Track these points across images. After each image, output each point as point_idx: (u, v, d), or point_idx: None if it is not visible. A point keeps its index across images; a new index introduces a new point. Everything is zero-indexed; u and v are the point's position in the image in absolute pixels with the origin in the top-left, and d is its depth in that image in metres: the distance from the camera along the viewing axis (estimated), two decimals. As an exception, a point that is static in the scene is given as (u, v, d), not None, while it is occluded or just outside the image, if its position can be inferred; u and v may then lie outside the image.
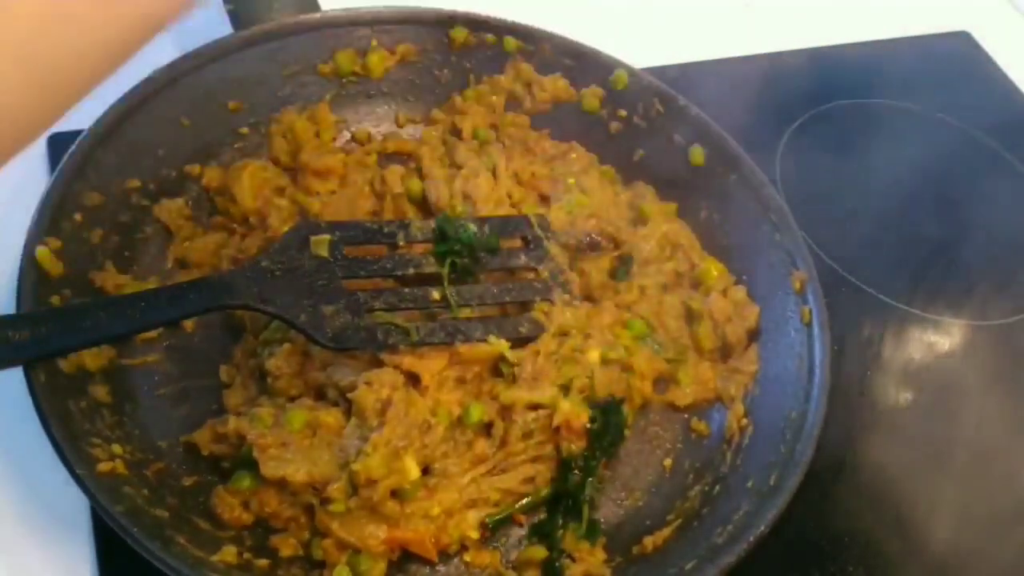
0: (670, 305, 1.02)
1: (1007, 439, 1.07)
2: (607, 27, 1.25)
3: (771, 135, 1.27)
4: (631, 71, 1.11)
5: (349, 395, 0.87)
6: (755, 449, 0.93)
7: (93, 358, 0.86)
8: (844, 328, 1.10)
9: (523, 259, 0.99)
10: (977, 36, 1.49)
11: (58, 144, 1.06)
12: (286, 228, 0.96)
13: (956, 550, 0.98)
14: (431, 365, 0.90)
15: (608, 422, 0.92)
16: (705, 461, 0.96)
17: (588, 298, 1.01)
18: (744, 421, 0.96)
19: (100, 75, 0.70)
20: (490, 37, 1.12)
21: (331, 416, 0.86)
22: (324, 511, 0.83)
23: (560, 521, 0.90)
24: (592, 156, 1.12)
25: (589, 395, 0.92)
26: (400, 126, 1.14)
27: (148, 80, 0.98)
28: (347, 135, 1.12)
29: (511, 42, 1.12)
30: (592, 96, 1.12)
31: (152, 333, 0.92)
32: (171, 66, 1.00)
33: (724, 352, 1.01)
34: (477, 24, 1.12)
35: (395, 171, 1.06)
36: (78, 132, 0.93)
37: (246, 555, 0.82)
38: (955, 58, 1.46)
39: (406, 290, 0.94)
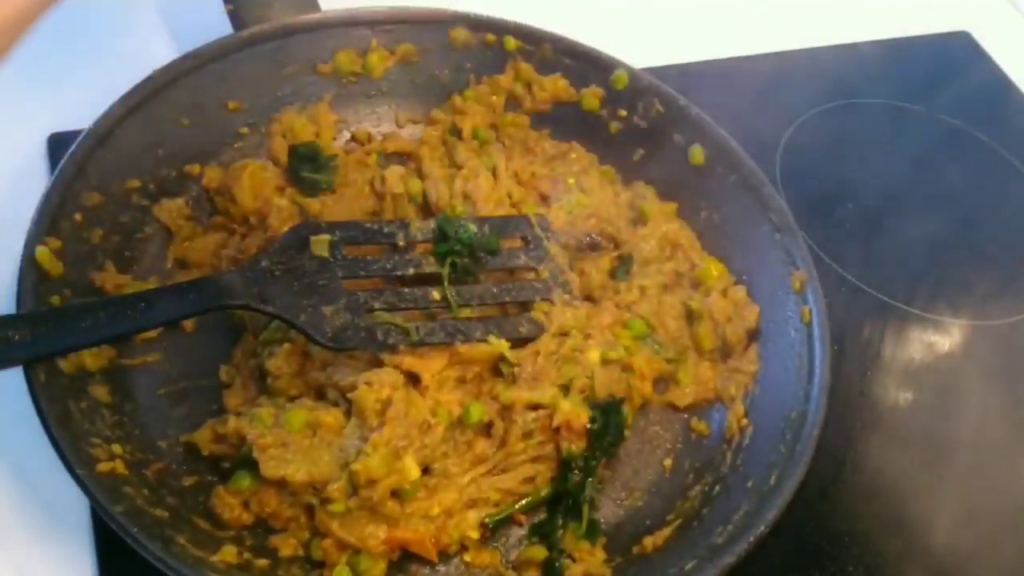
0: (670, 305, 1.02)
1: (1007, 439, 1.07)
2: (607, 27, 1.26)
3: (771, 135, 1.27)
4: (631, 71, 1.11)
5: (349, 395, 0.87)
6: (755, 449, 0.93)
7: (93, 358, 0.86)
8: (844, 328, 1.10)
9: (523, 259, 0.99)
10: (977, 36, 1.49)
11: (58, 144, 1.06)
12: (286, 228, 0.96)
13: (956, 550, 0.98)
14: (431, 365, 0.90)
15: (608, 422, 0.92)
16: (705, 461, 0.96)
17: (588, 298, 1.01)
18: (744, 421, 0.96)
19: None
20: (490, 37, 1.12)
21: (331, 416, 0.86)
22: (324, 511, 0.83)
23: (560, 521, 0.90)
24: (592, 156, 1.12)
25: (589, 395, 0.92)
26: (400, 126, 1.14)
27: (148, 80, 0.98)
28: (347, 135, 1.12)
29: (511, 42, 1.12)
30: (592, 96, 1.12)
31: (152, 333, 0.92)
32: (171, 66, 1.00)
33: (724, 352, 1.01)
34: (477, 24, 1.12)
35: (395, 171, 1.06)
36: (78, 132, 0.93)
37: (246, 555, 0.82)
38: (955, 58, 1.46)
39: (406, 290, 0.94)
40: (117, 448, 0.83)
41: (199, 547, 0.79)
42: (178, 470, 0.87)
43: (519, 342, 0.94)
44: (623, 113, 1.12)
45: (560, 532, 0.89)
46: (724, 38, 1.37)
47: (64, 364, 0.84)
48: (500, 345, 0.92)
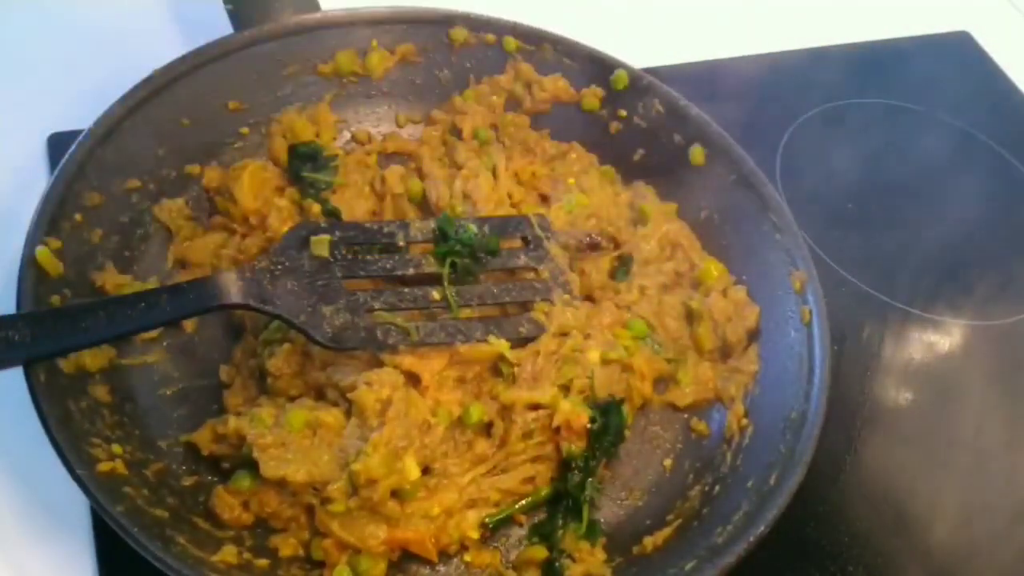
0: (670, 305, 1.02)
1: (1007, 439, 1.08)
2: (607, 27, 1.26)
3: (771, 135, 1.27)
4: (631, 71, 1.11)
5: (349, 395, 0.87)
6: (755, 449, 0.93)
7: (93, 358, 0.86)
8: (844, 328, 1.10)
9: (523, 259, 0.99)
10: (977, 36, 1.49)
11: (58, 144, 1.06)
12: (286, 228, 0.96)
13: (956, 550, 0.98)
14: (431, 365, 0.90)
15: (608, 422, 0.92)
16: (705, 461, 0.96)
17: (588, 298, 1.01)
18: (744, 421, 0.96)
19: None
20: (490, 37, 1.12)
21: (331, 416, 0.86)
22: (324, 511, 0.83)
23: (560, 521, 0.90)
24: (592, 156, 1.12)
25: (589, 395, 0.92)
26: (400, 126, 1.14)
27: (148, 80, 0.98)
28: (347, 135, 1.12)
29: (511, 42, 1.12)
30: (592, 96, 1.12)
31: (152, 333, 0.92)
32: (171, 66, 1.00)
33: (724, 352, 1.01)
34: (477, 24, 1.12)
35: (395, 171, 1.06)
36: (78, 132, 0.93)
37: (246, 555, 0.82)
38: (955, 58, 1.46)
39: (406, 290, 0.94)
40: (117, 448, 0.83)
41: (199, 547, 0.79)
42: (178, 470, 0.87)
43: (519, 342, 0.94)
44: (623, 113, 1.12)
45: (560, 532, 0.89)
46: (724, 38, 1.37)
47: (64, 364, 0.84)
48: (500, 345, 0.92)
